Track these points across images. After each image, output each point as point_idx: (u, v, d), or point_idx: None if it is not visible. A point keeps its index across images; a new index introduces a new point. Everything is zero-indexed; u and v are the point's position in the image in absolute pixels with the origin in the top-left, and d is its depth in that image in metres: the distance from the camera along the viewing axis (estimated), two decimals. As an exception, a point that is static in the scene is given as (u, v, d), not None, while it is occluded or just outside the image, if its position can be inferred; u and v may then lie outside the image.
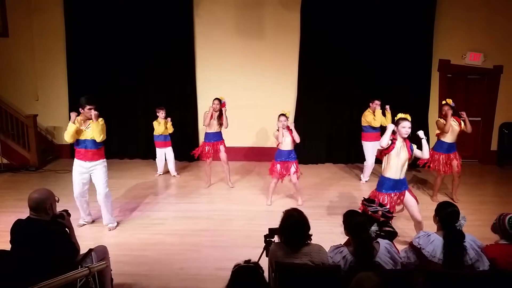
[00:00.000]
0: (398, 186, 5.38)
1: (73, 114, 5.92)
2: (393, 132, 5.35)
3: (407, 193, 5.42)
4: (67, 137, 5.90)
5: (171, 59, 9.88)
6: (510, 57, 9.80)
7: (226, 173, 8.35)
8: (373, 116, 8.20)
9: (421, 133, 5.32)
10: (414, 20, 9.47)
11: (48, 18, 10.01)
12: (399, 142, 5.31)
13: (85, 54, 9.87)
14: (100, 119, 5.95)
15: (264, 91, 10.02)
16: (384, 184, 5.40)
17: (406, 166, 5.38)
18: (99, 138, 5.89)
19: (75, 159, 6.08)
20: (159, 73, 9.93)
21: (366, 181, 8.68)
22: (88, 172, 6.05)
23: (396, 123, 5.37)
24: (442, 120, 7.20)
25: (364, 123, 8.37)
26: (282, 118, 6.97)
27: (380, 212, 4.01)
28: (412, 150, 5.33)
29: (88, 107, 5.83)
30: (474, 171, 9.51)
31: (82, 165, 6.02)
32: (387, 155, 5.35)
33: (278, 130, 7.04)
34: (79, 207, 6.22)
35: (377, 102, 8.13)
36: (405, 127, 5.26)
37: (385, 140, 5.25)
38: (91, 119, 5.87)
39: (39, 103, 10.33)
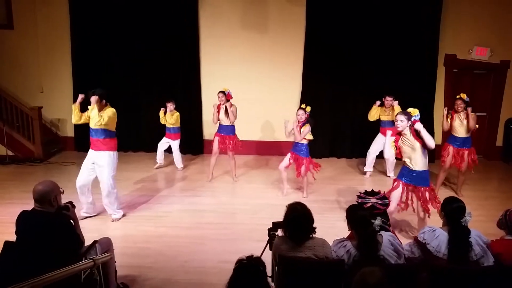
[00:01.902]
0: (417, 179, 5.38)
1: (80, 96, 6.00)
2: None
3: (423, 189, 5.40)
4: (72, 117, 6.04)
5: (176, 52, 9.86)
6: (517, 52, 9.73)
7: (232, 168, 8.34)
8: (378, 110, 8.23)
9: (417, 125, 5.22)
10: (421, 14, 9.39)
11: (53, 10, 10.00)
12: (406, 136, 5.32)
13: (90, 46, 9.87)
14: (111, 109, 6.02)
15: (268, 85, 9.99)
16: (403, 173, 5.49)
17: (425, 155, 5.34)
18: (93, 123, 5.88)
19: (89, 150, 6.16)
20: (163, 66, 9.92)
21: (392, 176, 8.51)
22: (93, 163, 6.06)
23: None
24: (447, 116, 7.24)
25: (382, 118, 8.36)
26: (300, 112, 7.01)
27: (369, 204, 4.00)
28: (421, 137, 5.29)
29: (94, 97, 5.88)
30: (479, 167, 9.37)
31: (91, 154, 6.07)
32: (402, 152, 5.44)
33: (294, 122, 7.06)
34: (79, 197, 6.18)
35: (389, 98, 8.12)
36: (397, 121, 5.34)
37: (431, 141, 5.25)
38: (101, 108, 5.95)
39: (44, 95, 10.33)
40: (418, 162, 5.34)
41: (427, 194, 5.41)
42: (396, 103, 8.04)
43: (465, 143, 7.24)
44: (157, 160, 9.16)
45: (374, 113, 8.34)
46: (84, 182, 6.15)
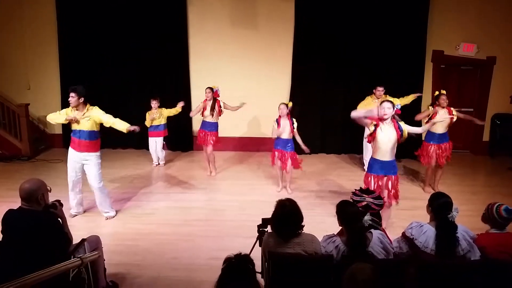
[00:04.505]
0: (387, 168, 5.46)
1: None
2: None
3: (393, 178, 5.52)
4: (56, 120, 5.93)
5: (165, 49, 9.80)
6: (503, 48, 9.82)
7: (211, 162, 8.38)
8: (372, 101, 8.19)
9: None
10: (408, 10, 9.44)
11: (40, 7, 9.91)
12: (385, 125, 5.36)
13: (77, 43, 9.78)
14: (97, 108, 5.96)
15: (258, 81, 9.98)
16: (373, 166, 5.52)
17: (395, 147, 5.44)
18: (111, 120, 5.91)
19: (69, 148, 6.04)
20: (152, 62, 9.85)
21: None
22: (80, 162, 6.01)
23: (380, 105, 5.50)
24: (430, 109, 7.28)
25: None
26: (282, 106, 7.13)
27: (364, 203, 4.00)
28: (401, 129, 5.35)
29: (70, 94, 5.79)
30: (466, 162, 9.58)
31: (74, 154, 5.98)
32: (375, 139, 5.43)
33: (277, 120, 7.14)
34: (69, 192, 6.16)
35: (380, 88, 8.15)
36: (384, 108, 5.34)
37: (357, 113, 5.53)
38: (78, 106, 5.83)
39: (31, 92, 10.24)
40: (389, 152, 5.42)
41: (395, 182, 5.54)
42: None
43: (443, 138, 7.28)
44: (154, 161, 9.12)
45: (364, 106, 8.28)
46: (74, 182, 6.11)
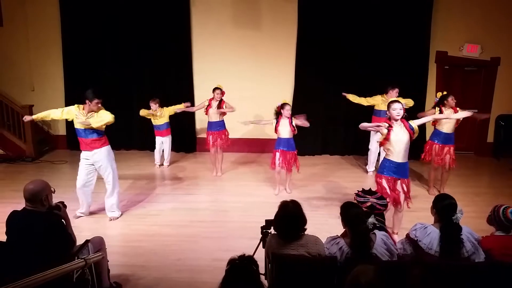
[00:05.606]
0: (400, 171, 5.38)
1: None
2: (389, 118, 5.39)
3: (407, 181, 5.46)
4: (55, 114, 6.12)
5: (168, 49, 9.81)
6: (507, 49, 9.78)
7: (219, 162, 8.43)
8: (381, 99, 8.24)
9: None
10: (412, 11, 9.41)
11: (43, 7, 9.92)
12: (397, 126, 5.31)
13: (81, 43, 9.80)
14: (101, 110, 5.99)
15: (261, 82, 9.98)
16: (386, 167, 5.42)
17: (408, 148, 5.36)
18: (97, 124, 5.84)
19: (82, 153, 6.07)
20: (155, 63, 9.87)
21: (372, 171, 8.59)
22: (92, 163, 6.03)
23: (387, 107, 5.42)
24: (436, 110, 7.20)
25: (376, 107, 8.37)
26: (287, 107, 7.13)
27: (368, 203, 3.98)
28: (412, 128, 5.27)
29: (96, 100, 5.81)
30: (470, 163, 9.54)
31: (87, 156, 6.01)
32: (389, 141, 5.34)
33: (276, 119, 7.18)
34: (79, 198, 6.19)
35: (396, 90, 8.06)
36: (396, 109, 5.27)
37: (365, 125, 5.42)
38: (94, 111, 5.87)
39: (35, 94, 10.25)
40: (402, 154, 5.34)
41: (407, 186, 5.47)
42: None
43: (448, 139, 7.20)
44: (156, 161, 9.13)
45: (374, 101, 8.33)
46: (84, 181, 6.11)
